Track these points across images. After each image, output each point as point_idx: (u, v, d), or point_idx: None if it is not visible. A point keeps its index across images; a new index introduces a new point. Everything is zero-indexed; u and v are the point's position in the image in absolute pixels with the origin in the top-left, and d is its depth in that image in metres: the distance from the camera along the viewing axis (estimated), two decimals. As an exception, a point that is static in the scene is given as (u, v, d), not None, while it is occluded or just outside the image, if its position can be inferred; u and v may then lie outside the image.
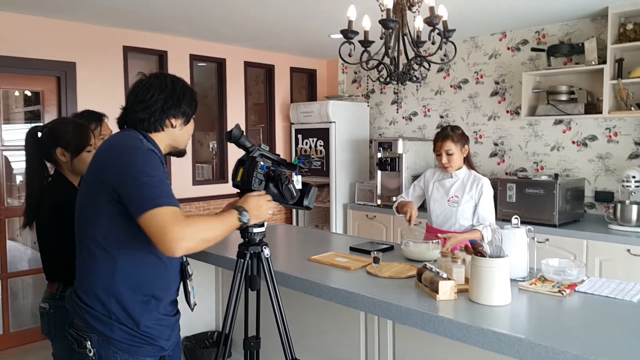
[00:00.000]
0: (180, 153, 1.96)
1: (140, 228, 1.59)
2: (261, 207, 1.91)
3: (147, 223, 1.57)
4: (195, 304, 1.98)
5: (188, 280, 1.93)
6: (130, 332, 1.71)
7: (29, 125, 2.38)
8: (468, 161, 3.18)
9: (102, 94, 4.70)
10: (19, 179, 4.42)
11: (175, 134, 1.88)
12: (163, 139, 1.85)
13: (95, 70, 4.68)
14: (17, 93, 4.52)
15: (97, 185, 1.69)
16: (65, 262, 2.29)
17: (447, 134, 3.10)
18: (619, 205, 3.98)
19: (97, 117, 2.83)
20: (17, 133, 4.39)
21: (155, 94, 1.80)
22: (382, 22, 2.48)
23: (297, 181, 2.09)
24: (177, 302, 1.90)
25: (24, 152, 2.38)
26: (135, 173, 1.63)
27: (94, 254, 1.71)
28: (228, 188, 5.54)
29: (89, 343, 1.71)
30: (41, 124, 2.47)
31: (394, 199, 5.26)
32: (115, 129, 2.92)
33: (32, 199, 2.31)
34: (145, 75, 1.87)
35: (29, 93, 4.54)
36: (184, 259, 1.93)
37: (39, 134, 2.36)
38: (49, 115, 4.40)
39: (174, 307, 1.88)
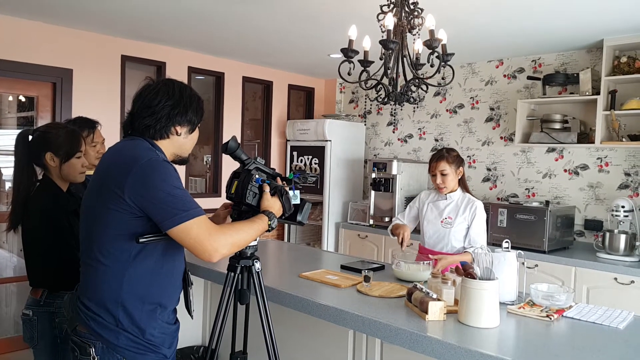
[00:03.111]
0: (183, 161, 1.94)
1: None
2: (277, 205, 2.02)
3: (182, 236, 1.66)
4: (194, 310, 1.98)
5: (190, 288, 1.94)
6: (135, 340, 1.71)
7: (19, 132, 2.37)
8: (463, 184, 3.21)
9: (98, 102, 4.70)
10: (8, 185, 4.38)
11: (180, 141, 1.87)
12: (168, 147, 1.84)
13: (92, 78, 4.68)
14: (10, 98, 4.48)
15: (109, 195, 1.67)
16: (50, 268, 2.28)
17: (443, 154, 3.13)
18: (607, 234, 4.01)
19: (90, 124, 2.83)
20: (8, 139, 4.36)
21: (163, 100, 1.79)
22: (383, 43, 2.51)
23: (295, 196, 2.09)
24: (176, 311, 1.90)
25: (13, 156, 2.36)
26: (162, 187, 1.65)
27: (102, 263, 1.70)
28: (220, 202, 5.52)
29: (93, 350, 1.70)
30: (33, 128, 2.46)
31: (387, 219, 5.32)
32: (108, 136, 2.96)
33: (19, 203, 2.29)
34: (153, 80, 1.85)
35: (22, 98, 4.50)
36: (186, 267, 1.93)
37: (30, 137, 2.35)
38: (43, 121, 4.36)
39: (174, 315, 1.89)
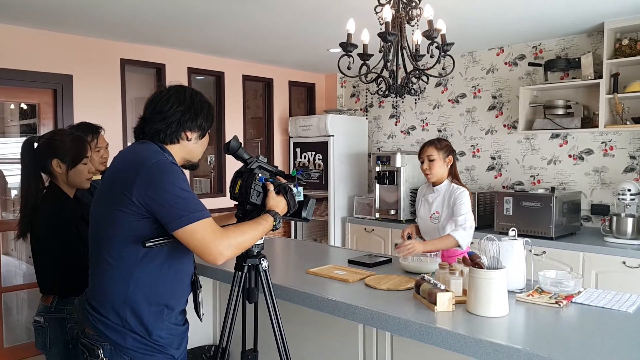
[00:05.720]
0: (193, 166, 1.97)
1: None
2: (282, 204, 2.03)
3: (188, 238, 1.68)
4: (203, 314, 1.99)
5: (199, 291, 1.95)
6: (142, 341, 1.73)
7: (25, 139, 2.38)
8: (454, 174, 3.13)
9: (99, 106, 4.70)
10: (14, 193, 4.40)
11: (190, 147, 1.89)
12: (178, 152, 1.87)
13: (92, 83, 4.68)
14: (12, 106, 4.50)
15: (117, 198, 1.69)
16: (59, 274, 2.29)
17: (432, 141, 3.11)
18: (614, 218, 3.99)
19: (93, 130, 2.83)
20: (12, 147, 4.38)
21: (174, 105, 1.82)
22: (381, 35, 2.50)
23: (299, 193, 2.09)
24: (185, 312, 1.92)
25: (19, 164, 2.37)
26: (169, 189, 1.66)
27: (110, 265, 1.72)
28: (225, 202, 5.54)
29: (102, 352, 1.72)
30: (38, 135, 2.47)
31: (392, 212, 5.32)
32: (110, 140, 2.97)
33: (27, 210, 2.30)
34: (165, 87, 1.89)
35: (24, 106, 4.52)
36: (195, 270, 1.94)
37: (35, 145, 2.36)
38: (45, 128, 4.37)
39: (183, 316, 1.90)
